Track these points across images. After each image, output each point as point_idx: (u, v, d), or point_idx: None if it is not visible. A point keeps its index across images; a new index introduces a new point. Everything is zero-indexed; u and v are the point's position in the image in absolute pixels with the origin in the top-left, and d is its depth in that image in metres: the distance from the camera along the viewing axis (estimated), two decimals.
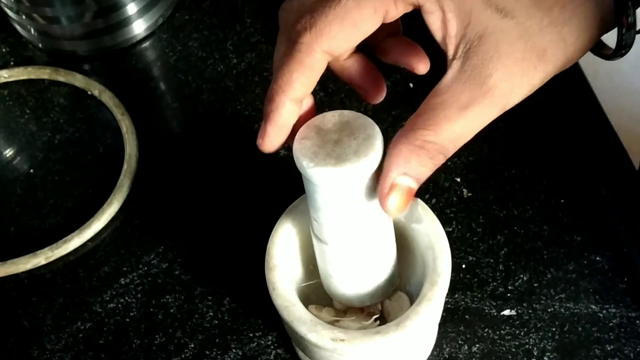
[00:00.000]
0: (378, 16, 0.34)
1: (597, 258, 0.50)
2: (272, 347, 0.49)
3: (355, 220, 0.38)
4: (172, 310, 0.50)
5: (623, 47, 0.35)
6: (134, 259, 0.53)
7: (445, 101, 0.34)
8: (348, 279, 0.42)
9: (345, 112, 0.37)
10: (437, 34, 0.35)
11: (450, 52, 0.35)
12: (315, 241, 0.41)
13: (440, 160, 0.34)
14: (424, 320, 0.39)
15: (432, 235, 0.42)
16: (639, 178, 0.53)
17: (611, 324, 0.48)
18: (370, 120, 0.36)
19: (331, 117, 0.36)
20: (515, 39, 0.33)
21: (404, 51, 0.39)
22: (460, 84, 0.34)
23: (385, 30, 0.38)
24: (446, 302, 0.48)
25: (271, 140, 0.36)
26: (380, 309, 0.45)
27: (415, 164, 0.34)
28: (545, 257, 0.51)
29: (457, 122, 0.34)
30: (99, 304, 0.51)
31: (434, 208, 0.44)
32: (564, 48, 0.34)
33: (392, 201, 0.34)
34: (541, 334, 0.48)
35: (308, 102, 0.38)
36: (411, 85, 0.59)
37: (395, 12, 0.35)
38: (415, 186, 0.34)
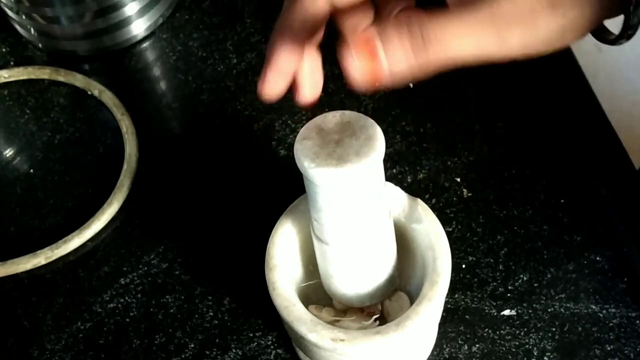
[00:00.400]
0: None
1: (597, 258, 0.50)
2: (272, 347, 0.49)
3: (356, 221, 0.38)
4: (172, 310, 0.50)
5: (630, 27, 0.34)
6: (134, 259, 0.53)
7: (443, 10, 0.32)
8: (348, 279, 0.42)
9: (347, 112, 0.37)
10: None
11: None
12: (315, 241, 0.41)
13: (420, 55, 0.31)
14: (424, 320, 0.39)
15: (432, 235, 0.42)
16: (639, 178, 0.53)
17: (611, 324, 0.48)
18: (371, 120, 0.36)
19: (332, 118, 0.36)
20: None
21: None
22: (464, 3, 0.32)
23: (398, 4, 0.38)
24: (446, 302, 0.48)
25: (271, 86, 0.36)
26: (380, 309, 0.45)
27: (394, 41, 0.31)
28: (545, 257, 0.51)
29: (450, 21, 0.31)
30: (99, 304, 0.51)
31: (434, 208, 0.44)
32: (571, 3, 0.32)
33: (356, 62, 0.31)
34: (541, 334, 0.48)
35: (314, 58, 0.37)
36: (411, 85, 0.59)
37: None
38: (384, 66, 0.31)
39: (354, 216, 0.38)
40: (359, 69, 0.31)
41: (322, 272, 0.43)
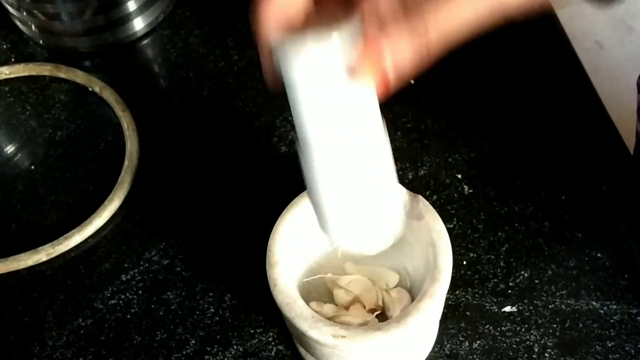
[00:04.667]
0: None
1: (598, 255, 0.50)
2: (273, 343, 0.49)
3: (338, 111, 0.35)
4: (173, 307, 0.50)
5: None
6: (135, 255, 0.53)
7: None
8: (341, 201, 0.38)
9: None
10: None
11: None
12: (301, 154, 0.37)
13: (420, 49, 0.32)
14: (425, 316, 0.39)
15: (433, 231, 0.42)
16: (639, 174, 0.53)
17: (612, 321, 0.48)
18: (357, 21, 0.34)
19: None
20: None
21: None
22: None
23: None
24: (447, 299, 0.48)
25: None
26: (381, 305, 0.45)
27: (395, 39, 0.32)
28: (546, 254, 0.51)
29: (441, 8, 0.32)
30: (100, 301, 0.51)
31: (435, 205, 0.44)
32: None
33: (364, 68, 0.32)
34: (542, 330, 0.48)
35: None
36: (412, 81, 0.59)
37: None
38: (390, 71, 0.32)
39: (335, 105, 0.35)
40: (367, 76, 0.33)
41: (313, 199, 0.39)
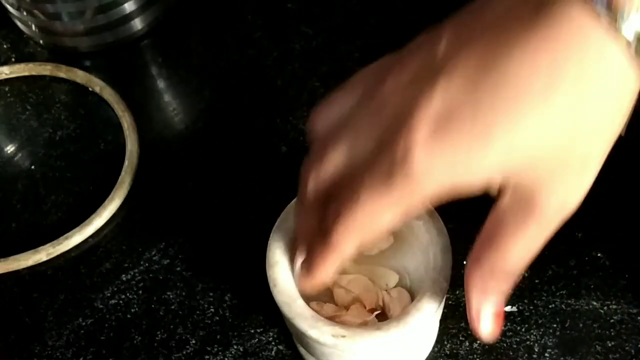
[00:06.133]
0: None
1: (599, 254, 0.50)
2: (273, 343, 0.49)
3: None
4: (173, 307, 0.50)
5: None
6: (136, 255, 0.53)
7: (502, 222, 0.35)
8: None
9: None
10: None
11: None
12: None
13: (512, 281, 0.35)
14: (425, 316, 0.39)
15: (433, 231, 0.42)
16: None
17: (612, 320, 0.48)
18: None
19: None
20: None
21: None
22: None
23: None
24: (447, 298, 0.48)
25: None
26: (381, 305, 0.45)
27: (491, 290, 0.37)
28: (546, 254, 0.50)
29: (518, 241, 0.35)
30: (100, 300, 0.51)
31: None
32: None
33: (485, 329, 0.36)
34: (542, 330, 0.48)
35: None
36: None
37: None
38: (499, 310, 0.36)
39: None
40: (493, 332, 0.37)
41: None
